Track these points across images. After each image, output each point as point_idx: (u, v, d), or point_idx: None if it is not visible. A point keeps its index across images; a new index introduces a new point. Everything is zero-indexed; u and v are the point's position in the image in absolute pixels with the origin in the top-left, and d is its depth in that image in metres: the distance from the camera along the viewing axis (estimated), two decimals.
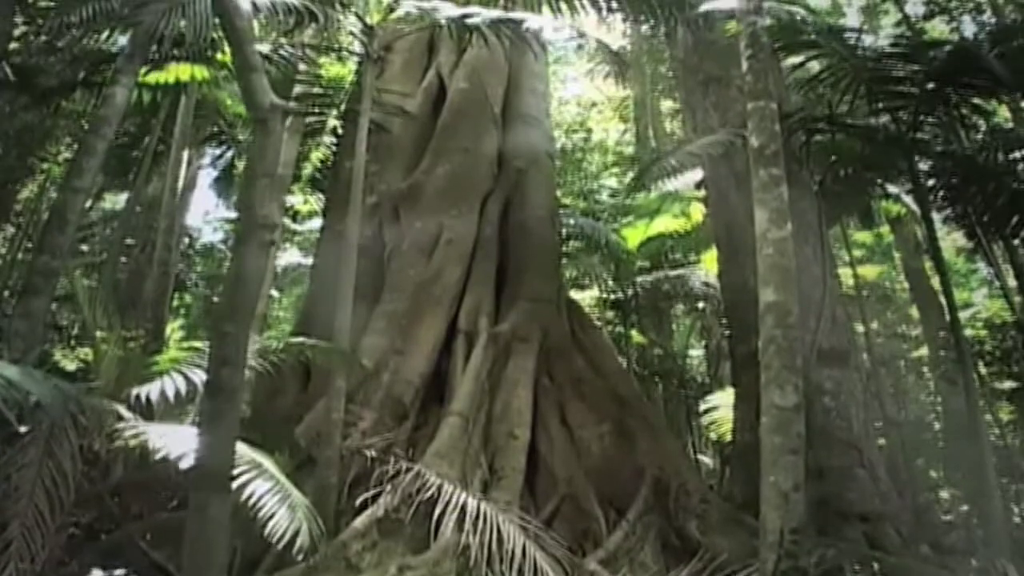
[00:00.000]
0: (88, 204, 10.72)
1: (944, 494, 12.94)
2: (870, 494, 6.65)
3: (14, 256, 12.28)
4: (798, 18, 7.63)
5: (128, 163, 12.18)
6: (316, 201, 12.29)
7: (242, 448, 4.46)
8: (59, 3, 7.35)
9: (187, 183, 13.85)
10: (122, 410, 4.74)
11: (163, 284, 10.68)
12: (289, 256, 16.40)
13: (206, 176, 14.88)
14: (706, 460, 13.10)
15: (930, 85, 7.01)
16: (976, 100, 7.41)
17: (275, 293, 16.92)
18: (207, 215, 29.79)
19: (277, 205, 7.34)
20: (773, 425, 4.21)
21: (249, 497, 4.33)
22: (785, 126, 6.84)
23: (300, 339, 6.14)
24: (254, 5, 6.56)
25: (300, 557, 4.41)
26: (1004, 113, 10.64)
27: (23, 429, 4.59)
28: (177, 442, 4.38)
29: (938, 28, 13.48)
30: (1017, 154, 7.78)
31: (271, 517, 4.22)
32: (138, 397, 4.84)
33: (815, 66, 8.28)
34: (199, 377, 4.97)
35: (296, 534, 4.24)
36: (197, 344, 5.56)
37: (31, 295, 5.44)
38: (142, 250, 12.82)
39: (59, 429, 4.50)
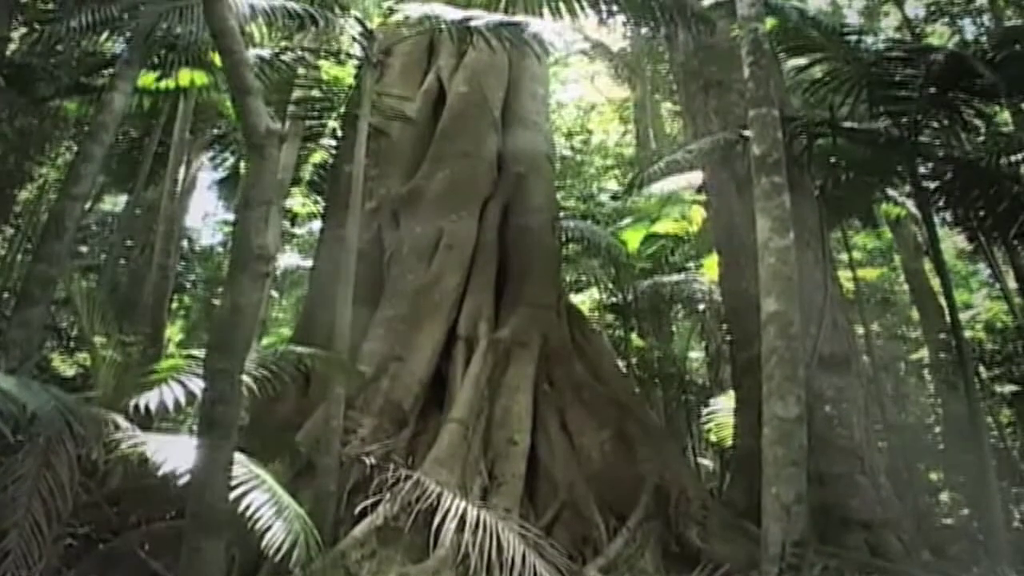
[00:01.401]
0: (88, 205, 10.70)
1: (944, 497, 12.92)
2: (871, 501, 6.63)
3: (13, 257, 12.28)
4: (808, 16, 7.57)
5: (129, 166, 12.17)
6: (315, 204, 12.25)
7: (240, 458, 4.43)
8: (59, 8, 7.32)
9: (187, 185, 13.84)
10: (120, 420, 4.71)
11: (162, 288, 10.67)
12: (288, 258, 16.38)
13: (206, 178, 14.85)
14: (706, 463, 13.08)
15: (930, 89, 6.99)
16: (976, 104, 7.39)
17: (275, 294, 16.91)
18: (206, 217, 29.77)
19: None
20: (775, 437, 4.19)
21: (247, 506, 4.31)
22: (787, 130, 6.82)
23: (299, 347, 6.11)
24: (253, 9, 6.52)
25: (297, 569, 4.37)
26: (1005, 116, 10.61)
27: (20, 438, 4.56)
28: (175, 453, 4.35)
29: (939, 31, 13.46)
30: (1018, 157, 7.76)
31: (268, 529, 4.19)
32: (136, 406, 4.81)
33: (816, 69, 8.27)
34: (197, 385, 4.94)
35: (293, 546, 4.20)
36: (195, 352, 5.52)
37: (28, 304, 5.41)
38: (141, 252, 12.83)
39: (56, 439, 4.47)
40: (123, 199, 14.18)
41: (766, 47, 5.76)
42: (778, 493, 4.03)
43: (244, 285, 3.50)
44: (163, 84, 8.80)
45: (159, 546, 5.42)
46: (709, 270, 11.53)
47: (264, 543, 4.21)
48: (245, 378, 4.78)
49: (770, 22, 7.08)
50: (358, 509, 5.88)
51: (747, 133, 6.04)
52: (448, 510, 5.76)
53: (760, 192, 5.09)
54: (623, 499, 6.76)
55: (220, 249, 16.77)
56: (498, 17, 7.19)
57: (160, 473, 4.27)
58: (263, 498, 4.27)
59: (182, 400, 4.92)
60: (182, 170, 12.47)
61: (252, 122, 3.67)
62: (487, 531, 5.61)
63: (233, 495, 4.06)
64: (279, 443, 6.57)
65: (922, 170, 7.84)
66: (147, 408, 4.89)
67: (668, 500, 6.76)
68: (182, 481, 4.07)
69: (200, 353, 5.30)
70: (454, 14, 6.99)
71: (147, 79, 8.68)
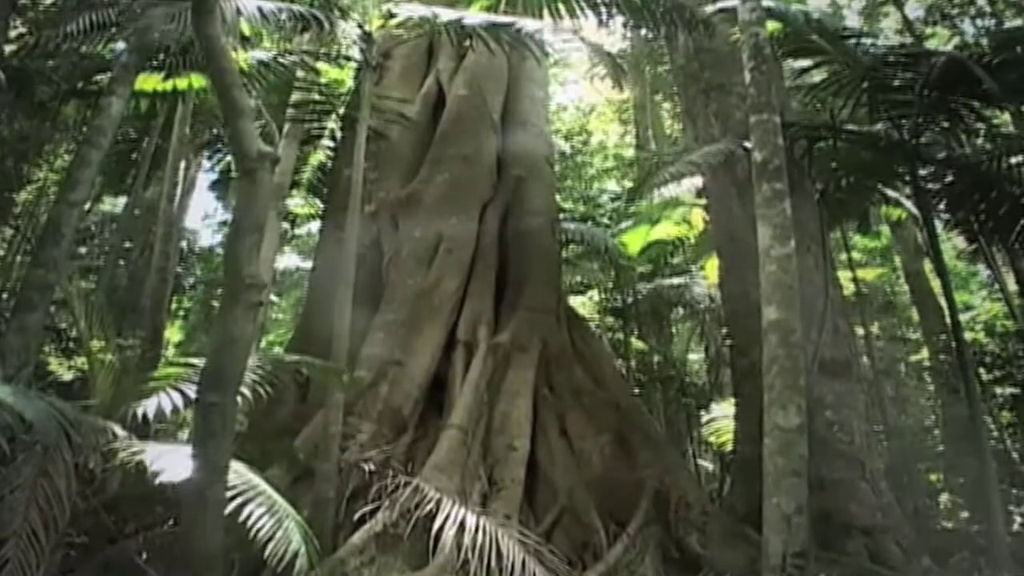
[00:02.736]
0: (86, 207, 10.67)
1: (945, 499, 12.89)
2: (871, 507, 6.61)
3: (13, 259, 12.27)
4: (809, 19, 7.54)
5: (127, 168, 12.14)
6: (314, 205, 12.21)
7: (238, 467, 4.41)
8: (58, 12, 7.30)
9: (186, 186, 13.80)
10: (117, 428, 4.69)
11: (161, 290, 10.63)
12: (288, 260, 16.35)
13: (205, 178, 14.81)
14: (706, 465, 13.07)
15: (930, 93, 6.97)
16: (977, 107, 7.36)
17: (275, 298, 16.88)
18: (206, 217, 29.77)
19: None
20: (776, 447, 4.17)
21: (246, 514, 4.29)
22: (787, 134, 6.79)
23: (297, 354, 6.09)
24: (261, 12, 6.48)
25: None
26: (1006, 117, 10.57)
27: (17, 446, 4.54)
28: (172, 461, 4.33)
29: (940, 32, 13.44)
30: (1018, 159, 7.73)
31: (268, 540, 4.16)
32: (134, 415, 4.79)
33: (817, 72, 8.25)
34: (194, 392, 4.91)
35: (295, 556, 4.18)
36: (193, 359, 5.49)
37: (26, 309, 5.38)
38: (140, 253, 12.80)
39: (53, 448, 4.45)
40: (122, 200, 14.15)
41: (767, 52, 5.73)
42: (779, 503, 4.01)
43: (237, 315, 3.41)
44: (162, 86, 8.77)
45: (157, 553, 5.40)
46: (709, 273, 11.51)
47: (264, 554, 4.18)
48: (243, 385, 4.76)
49: (771, 26, 7.05)
50: (357, 515, 5.86)
51: (747, 144, 6.02)
52: (447, 516, 5.74)
53: (761, 199, 5.06)
54: (623, 504, 6.75)
55: (219, 250, 16.73)
56: (497, 18, 7.16)
57: (157, 481, 4.25)
58: (260, 511, 4.23)
59: (180, 407, 4.90)
60: (181, 171, 12.43)
61: (243, 145, 3.57)
62: (486, 537, 5.60)
63: (232, 505, 4.04)
64: (278, 449, 6.55)
65: (923, 173, 7.81)
66: (144, 415, 4.88)
67: (668, 505, 6.75)
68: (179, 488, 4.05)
69: (198, 360, 5.29)
70: (453, 16, 6.97)
71: (148, 81, 8.66)
